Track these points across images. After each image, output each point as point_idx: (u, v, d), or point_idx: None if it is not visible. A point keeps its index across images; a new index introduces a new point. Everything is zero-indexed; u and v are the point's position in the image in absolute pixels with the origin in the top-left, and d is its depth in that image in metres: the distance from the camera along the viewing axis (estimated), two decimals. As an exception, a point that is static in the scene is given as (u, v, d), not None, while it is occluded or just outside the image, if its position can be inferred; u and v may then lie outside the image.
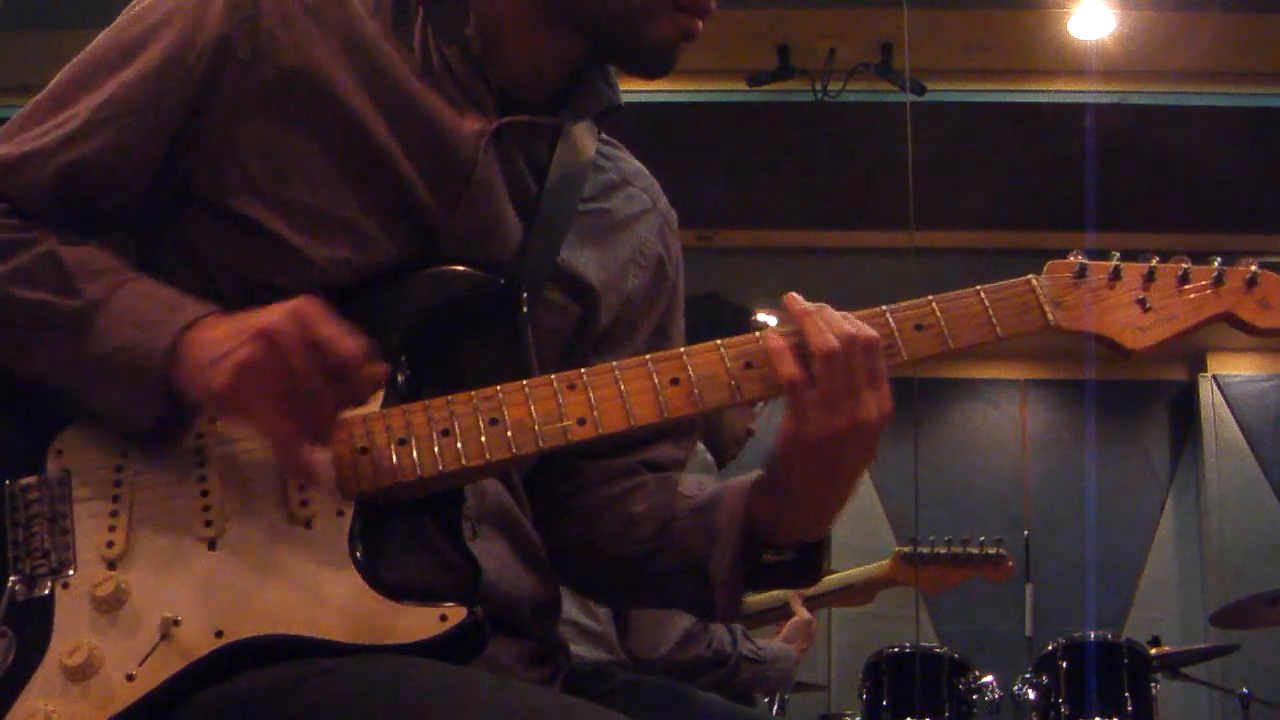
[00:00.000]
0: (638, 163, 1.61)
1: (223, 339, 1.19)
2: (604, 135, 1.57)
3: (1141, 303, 1.37)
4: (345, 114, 1.32)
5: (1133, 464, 8.31)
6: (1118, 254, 1.37)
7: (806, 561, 1.41)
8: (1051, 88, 5.82)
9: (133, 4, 1.39)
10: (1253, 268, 1.37)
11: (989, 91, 5.85)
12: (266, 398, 1.17)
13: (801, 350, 1.30)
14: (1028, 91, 5.85)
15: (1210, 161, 5.89)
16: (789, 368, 1.29)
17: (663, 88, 4.99)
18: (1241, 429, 8.08)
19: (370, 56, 1.35)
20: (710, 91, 5.70)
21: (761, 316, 7.10)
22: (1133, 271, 1.38)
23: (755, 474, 1.41)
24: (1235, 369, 8.13)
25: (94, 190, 1.33)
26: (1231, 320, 1.39)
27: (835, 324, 1.30)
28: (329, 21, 1.34)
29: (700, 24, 1.40)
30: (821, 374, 1.28)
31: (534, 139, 1.43)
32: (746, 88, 5.70)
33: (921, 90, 5.48)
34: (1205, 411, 8.11)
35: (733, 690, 3.33)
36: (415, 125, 1.35)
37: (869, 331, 1.30)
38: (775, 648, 3.40)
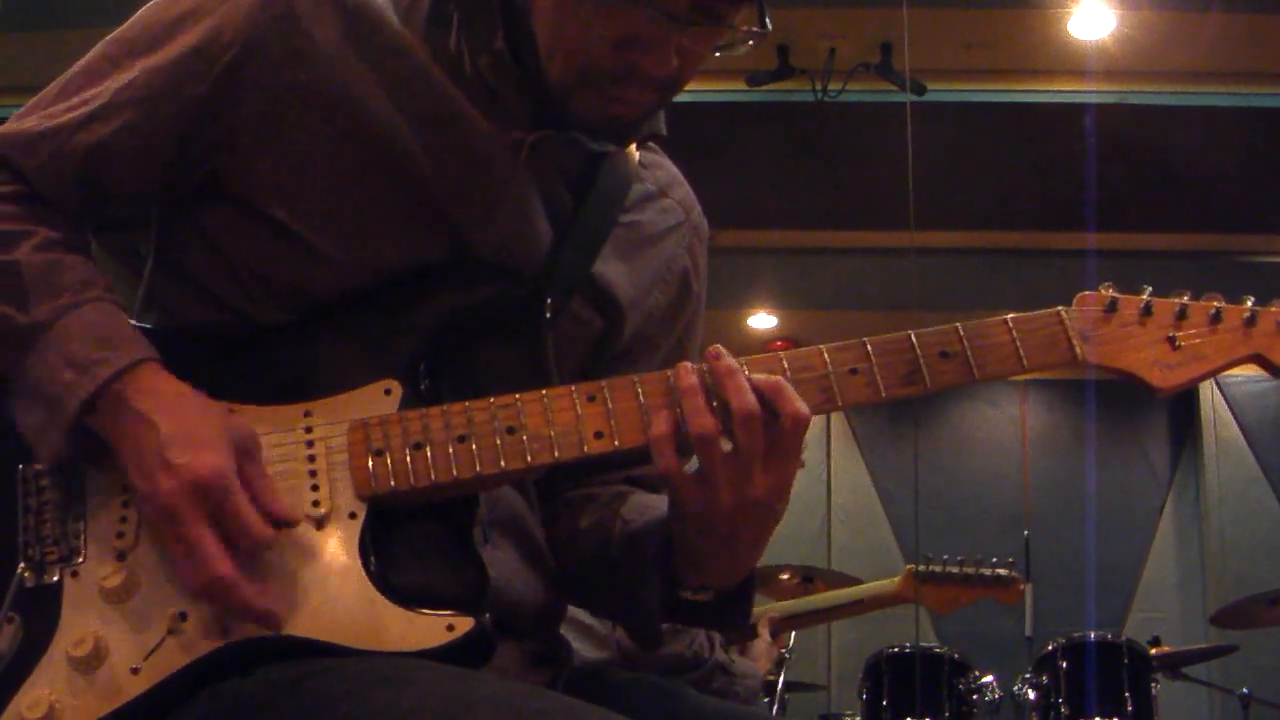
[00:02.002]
0: (675, 170, 1.58)
1: (146, 449, 1.19)
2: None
3: (1171, 340, 1.33)
4: (371, 120, 1.32)
5: (1133, 464, 8.31)
6: (1149, 289, 1.34)
7: (730, 604, 1.38)
8: (1051, 88, 5.81)
9: None
10: None
11: (989, 91, 5.84)
12: (177, 549, 1.19)
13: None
14: (1028, 91, 5.83)
15: (1210, 161, 5.88)
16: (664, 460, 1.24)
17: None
18: (1241, 430, 8.09)
19: (402, 63, 1.34)
20: (710, 91, 5.68)
21: (761, 316, 7.11)
22: (1164, 308, 1.34)
23: None
24: (1236, 370, 8.11)
25: (109, 172, 1.33)
26: (1261, 362, 1.35)
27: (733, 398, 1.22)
28: (362, 26, 1.33)
29: (628, 111, 1.33)
30: (703, 456, 1.23)
31: (569, 151, 1.42)
32: (746, 88, 5.69)
33: (921, 90, 5.48)
34: (1205, 412, 8.12)
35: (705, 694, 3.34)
36: (447, 133, 1.34)
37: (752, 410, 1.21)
38: (745, 664, 3.43)
